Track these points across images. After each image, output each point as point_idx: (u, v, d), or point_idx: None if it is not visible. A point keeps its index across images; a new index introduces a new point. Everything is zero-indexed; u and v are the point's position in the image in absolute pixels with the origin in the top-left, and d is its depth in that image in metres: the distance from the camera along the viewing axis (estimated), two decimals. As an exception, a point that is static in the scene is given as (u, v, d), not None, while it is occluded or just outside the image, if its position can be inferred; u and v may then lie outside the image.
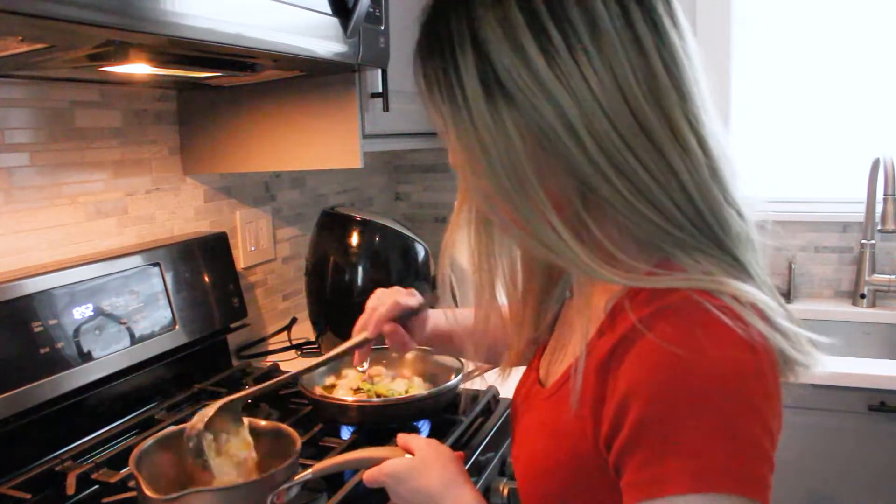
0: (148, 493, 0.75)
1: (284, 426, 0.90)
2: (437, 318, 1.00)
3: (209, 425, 0.83)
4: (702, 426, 0.51)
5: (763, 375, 0.54)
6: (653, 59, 0.57)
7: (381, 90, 1.31)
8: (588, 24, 0.56)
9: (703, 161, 0.58)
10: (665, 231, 0.58)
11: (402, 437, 0.82)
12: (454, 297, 1.61)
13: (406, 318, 0.94)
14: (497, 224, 0.67)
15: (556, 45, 0.56)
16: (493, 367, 0.86)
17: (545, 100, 0.56)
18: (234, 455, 0.84)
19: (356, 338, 0.94)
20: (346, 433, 1.13)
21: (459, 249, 0.72)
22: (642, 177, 0.56)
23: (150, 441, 0.86)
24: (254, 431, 0.91)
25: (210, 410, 0.84)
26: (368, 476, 0.78)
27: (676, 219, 0.57)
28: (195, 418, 0.83)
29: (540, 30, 0.56)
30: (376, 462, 0.78)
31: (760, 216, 0.62)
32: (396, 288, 0.97)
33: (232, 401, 0.87)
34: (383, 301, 0.94)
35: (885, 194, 1.81)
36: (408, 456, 0.77)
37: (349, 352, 0.95)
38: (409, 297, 0.95)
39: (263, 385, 0.92)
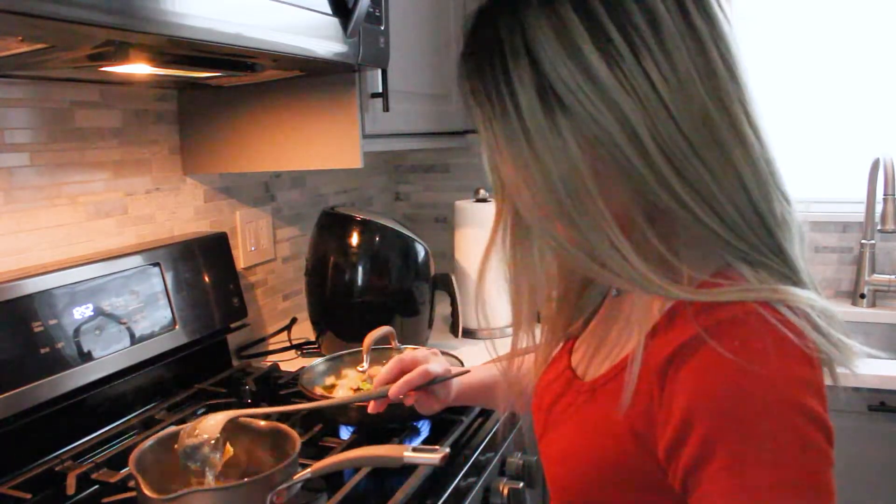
0: (147, 493, 0.75)
1: (284, 426, 0.90)
2: (466, 376, 0.99)
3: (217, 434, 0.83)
4: (773, 438, 0.51)
5: (821, 389, 0.55)
6: (710, 51, 0.56)
7: (381, 90, 1.31)
8: (650, 22, 0.55)
9: (759, 152, 0.58)
10: (727, 242, 0.57)
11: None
12: (454, 300, 1.61)
13: (432, 384, 0.94)
14: (544, 244, 0.66)
15: (619, 48, 0.55)
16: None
17: (606, 108, 0.55)
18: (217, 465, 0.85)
19: (378, 389, 0.93)
20: (345, 433, 1.13)
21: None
22: (705, 179, 0.55)
23: (150, 441, 0.86)
24: (253, 431, 0.91)
25: (221, 421, 0.84)
26: None
27: (738, 227, 0.57)
28: (202, 427, 0.83)
29: (600, 33, 0.55)
30: (375, 461, 0.79)
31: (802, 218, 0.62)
32: (431, 351, 0.98)
33: (241, 415, 0.87)
34: (413, 361, 0.94)
35: (885, 194, 1.81)
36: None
37: (366, 398, 0.94)
38: (438, 365, 0.94)
39: (280, 409, 0.94)
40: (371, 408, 0.93)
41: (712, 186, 0.56)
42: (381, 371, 0.95)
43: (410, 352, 0.97)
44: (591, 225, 0.58)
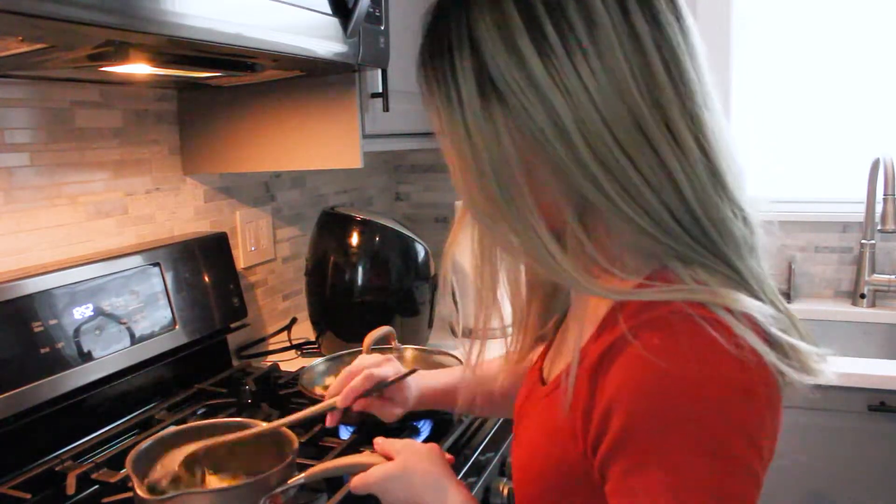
0: (142, 493, 0.75)
1: (283, 427, 0.90)
2: (427, 379, 0.98)
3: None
4: (683, 441, 0.51)
5: (751, 391, 0.53)
6: (651, 56, 0.56)
7: (381, 90, 1.31)
8: (586, 22, 0.55)
9: (701, 162, 0.56)
10: (658, 241, 0.57)
11: (379, 444, 0.82)
12: (455, 300, 1.61)
13: (382, 388, 0.92)
14: (484, 231, 0.66)
15: (553, 45, 0.55)
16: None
17: (538, 102, 0.56)
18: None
19: (327, 402, 0.91)
20: (345, 433, 1.13)
21: (461, 251, 0.71)
22: (635, 181, 0.55)
23: (147, 442, 0.86)
24: (254, 432, 0.91)
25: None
26: (355, 485, 0.78)
27: (670, 227, 0.56)
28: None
29: (536, 29, 0.56)
30: (363, 468, 0.78)
31: (765, 217, 0.61)
32: (375, 357, 0.95)
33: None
34: (360, 368, 0.92)
35: (884, 194, 1.82)
36: (388, 463, 0.77)
37: (318, 414, 0.92)
38: (385, 367, 0.92)
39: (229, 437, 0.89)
40: (328, 421, 0.93)
41: (642, 187, 0.55)
42: (333, 382, 0.93)
43: (360, 358, 0.95)
44: (519, 216, 0.59)
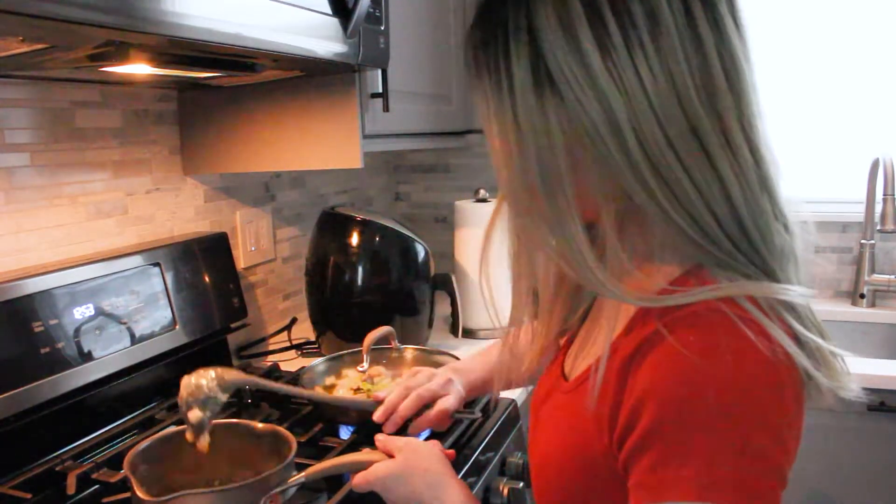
0: (140, 494, 0.75)
1: (281, 428, 0.90)
2: (468, 374, 1.04)
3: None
4: (713, 437, 0.51)
5: (782, 391, 0.53)
6: (711, 61, 0.55)
7: (381, 90, 1.31)
8: (649, 20, 0.55)
9: (753, 169, 0.57)
10: (699, 246, 0.57)
11: (380, 441, 0.82)
12: (454, 300, 1.61)
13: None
14: (519, 227, 0.65)
15: (614, 40, 0.55)
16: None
17: (594, 96, 0.55)
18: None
19: (391, 414, 0.99)
20: (345, 433, 1.13)
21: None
22: (684, 185, 0.55)
23: (146, 442, 0.86)
24: (252, 433, 0.91)
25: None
26: (357, 483, 0.79)
27: (713, 233, 0.56)
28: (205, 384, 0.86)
29: (598, 23, 0.55)
30: (364, 466, 0.79)
31: (801, 217, 0.61)
32: (445, 379, 1.01)
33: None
34: (432, 395, 0.99)
35: (884, 194, 1.81)
36: (389, 461, 0.78)
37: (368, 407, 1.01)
38: (454, 398, 0.99)
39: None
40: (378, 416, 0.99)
41: (690, 192, 0.55)
42: (395, 394, 0.99)
43: (427, 383, 1.00)
44: (557, 212, 0.58)
